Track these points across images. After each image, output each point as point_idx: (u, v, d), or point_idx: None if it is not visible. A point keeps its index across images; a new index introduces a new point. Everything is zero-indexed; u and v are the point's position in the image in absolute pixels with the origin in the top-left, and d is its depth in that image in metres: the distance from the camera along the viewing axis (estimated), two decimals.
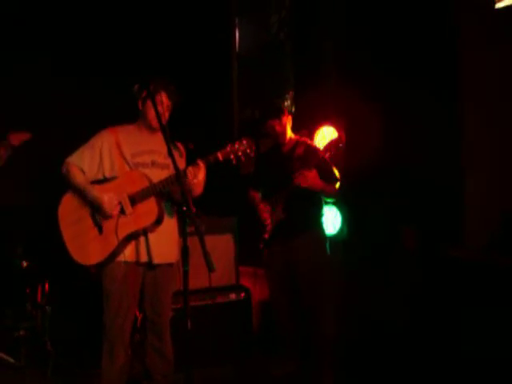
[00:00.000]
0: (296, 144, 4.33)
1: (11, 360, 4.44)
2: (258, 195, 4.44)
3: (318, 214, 4.35)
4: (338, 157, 4.24)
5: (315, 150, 4.27)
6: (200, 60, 5.67)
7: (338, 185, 4.27)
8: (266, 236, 4.29)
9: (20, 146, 4.05)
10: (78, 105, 4.96)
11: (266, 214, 4.28)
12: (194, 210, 2.88)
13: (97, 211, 3.40)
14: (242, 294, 4.77)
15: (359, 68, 4.95)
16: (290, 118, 4.36)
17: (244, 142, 3.35)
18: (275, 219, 4.23)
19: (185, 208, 2.92)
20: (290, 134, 4.36)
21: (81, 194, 3.45)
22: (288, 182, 4.09)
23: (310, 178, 4.02)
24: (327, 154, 4.10)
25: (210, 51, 5.83)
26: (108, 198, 3.37)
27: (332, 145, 4.09)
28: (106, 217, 3.38)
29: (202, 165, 3.36)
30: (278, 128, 4.29)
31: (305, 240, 4.20)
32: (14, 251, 4.78)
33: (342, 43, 5.14)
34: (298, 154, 4.25)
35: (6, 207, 5.03)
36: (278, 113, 4.29)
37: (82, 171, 3.47)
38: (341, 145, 4.07)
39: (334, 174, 4.24)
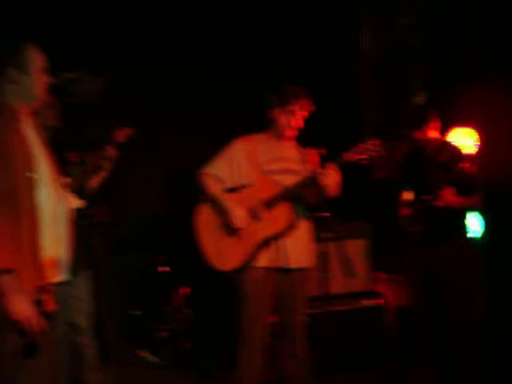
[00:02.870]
0: (441, 147, 4.13)
1: (156, 359, 4.69)
2: (408, 196, 4.27)
3: (461, 223, 4.12)
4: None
5: (458, 158, 4.04)
6: (328, 65, 5.67)
7: (478, 196, 4.02)
8: (409, 242, 4.18)
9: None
10: (205, 115, 5.10)
11: (408, 220, 4.15)
12: (328, 214, 2.90)
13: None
14: (377, 300, 4.72)
15: (500, 68, 4.72)
16: (437, 122, 4.13)
17: (369, 142, 3.32)
18: (415, 230, 4.12)
19: (321, 213, 2.95)
20: (435, 135, 4.14)
21: (215, 203, 3.57)
22: (428, 192, 3.96)
23: (447, 198, 3.88)
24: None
25: (338, 56, 5.82)
26: (239, 213, 3.46)
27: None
28: (235, 228, 3.47)
29: (333, 166, 3.36)
30: (419, 135, 4.11)
31: (449, 250, 4.01)
32: (158, 258, 5.05)
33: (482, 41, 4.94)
34: (441, 160, 4.07)
35: (148, 218, 5.32)
36: (422, 124, 4.08)
37: (220, 180, 3.58)
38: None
39: (474, 186, 3.98)
